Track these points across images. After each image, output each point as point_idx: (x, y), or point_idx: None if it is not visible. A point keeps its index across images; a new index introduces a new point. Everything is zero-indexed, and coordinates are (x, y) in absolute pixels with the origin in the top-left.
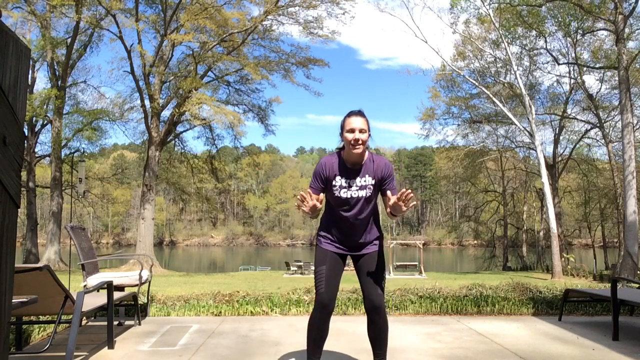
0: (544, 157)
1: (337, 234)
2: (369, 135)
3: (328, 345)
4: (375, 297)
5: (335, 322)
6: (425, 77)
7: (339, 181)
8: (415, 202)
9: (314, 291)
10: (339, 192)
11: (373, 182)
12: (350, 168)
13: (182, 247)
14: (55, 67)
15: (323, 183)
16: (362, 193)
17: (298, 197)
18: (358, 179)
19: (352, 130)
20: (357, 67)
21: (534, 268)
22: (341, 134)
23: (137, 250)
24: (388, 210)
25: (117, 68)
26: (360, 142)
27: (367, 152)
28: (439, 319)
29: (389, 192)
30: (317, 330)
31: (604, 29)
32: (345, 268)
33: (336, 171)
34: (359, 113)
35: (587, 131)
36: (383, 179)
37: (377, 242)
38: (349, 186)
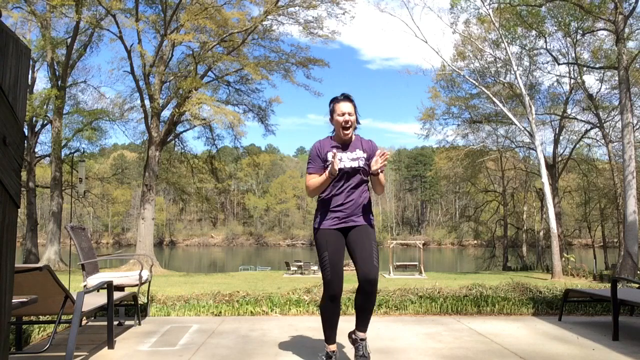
0: (544, 157)
1: (331, 209)
2: (356, 118)
3: None
4: (371, 270)
5: None
6: (426, 77)
7: (330, 155)
8: (388, 156)
9: (322, 279)
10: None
11: (365, 155)
12: (340, 144)
13: (182, 247)
14: (55, 67)
15: (322, 161)
16: (355, 164)
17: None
18: (349, 153)
19: (342, 114)
20: (359, 67)
21: (534, 268)
22: (331, 119)
23: (137, 250)
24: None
25: (117, 68)
26: (349, 123)
27: (354, 135)
28: (439, 319)
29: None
30: (330, 314)
31: (604, 29)
32: (345, 268)
33: (328, 148)
34: (347, 98)
35: (587, 131)
36: (370, 156)
37: (369, 216)
38: (341, 159)
